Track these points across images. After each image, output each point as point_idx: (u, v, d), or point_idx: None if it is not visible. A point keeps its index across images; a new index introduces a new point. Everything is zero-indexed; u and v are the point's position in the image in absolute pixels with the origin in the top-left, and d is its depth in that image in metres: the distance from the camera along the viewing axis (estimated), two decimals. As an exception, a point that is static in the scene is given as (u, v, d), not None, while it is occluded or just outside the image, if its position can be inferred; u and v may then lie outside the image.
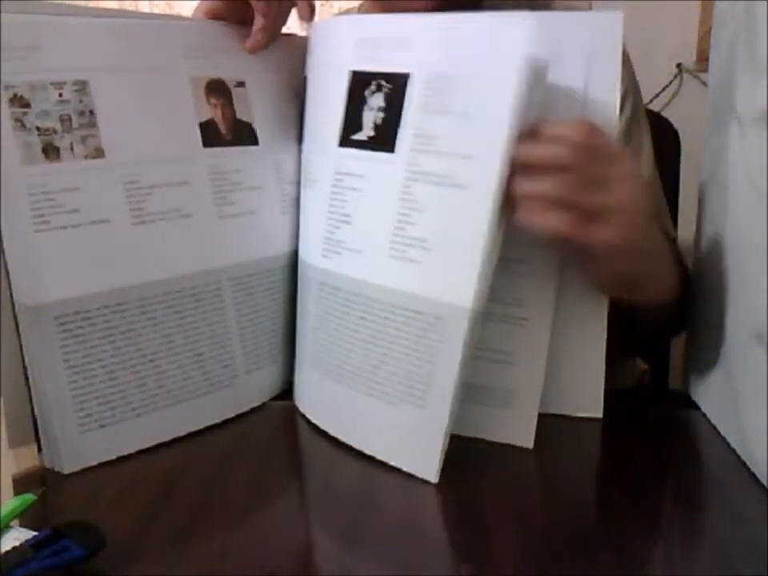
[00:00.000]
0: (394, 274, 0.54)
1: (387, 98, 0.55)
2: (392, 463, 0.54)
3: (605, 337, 0.59)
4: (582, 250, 0.53)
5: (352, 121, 0.57)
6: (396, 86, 0.55)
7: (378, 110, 0.56)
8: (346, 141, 0.57)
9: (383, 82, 0.56)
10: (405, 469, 0.53)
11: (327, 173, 0.59)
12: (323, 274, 0.59)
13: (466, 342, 0.50)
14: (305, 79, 0.65)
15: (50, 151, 0.53)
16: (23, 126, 0.52)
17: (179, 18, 0.65)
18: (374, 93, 0.56)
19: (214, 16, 0.62)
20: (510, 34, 0.50)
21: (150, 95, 0.58)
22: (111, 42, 0.56)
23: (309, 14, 0.64)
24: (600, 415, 0.60)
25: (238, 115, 0.63)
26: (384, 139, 0.55)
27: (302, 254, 0.63)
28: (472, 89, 0.51)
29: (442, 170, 0.52)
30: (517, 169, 0.49)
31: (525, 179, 0.49)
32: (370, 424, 0.56)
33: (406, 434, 0.54)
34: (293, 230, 0.66)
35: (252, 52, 0.63)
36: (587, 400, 0.60)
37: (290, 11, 0.63)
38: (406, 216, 0.53)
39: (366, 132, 0.56)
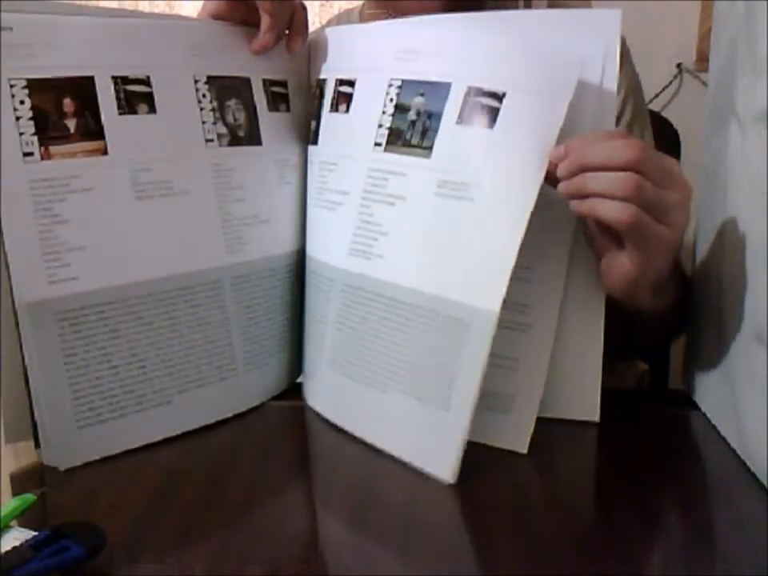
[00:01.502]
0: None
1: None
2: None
3: (602, 341, 0.59)
4: (638, 243, 0.52)
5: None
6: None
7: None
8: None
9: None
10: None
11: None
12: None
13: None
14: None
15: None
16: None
17: (185, 18, 0.66)
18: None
19: (219, 17, 0.62)
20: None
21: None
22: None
23: (299, 48, 0.65)
24: (596, 419, 0.60)
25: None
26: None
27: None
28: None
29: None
30: (581, 167, 0.50)
31: (593, 177, 0.50)
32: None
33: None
34: (295, 230, 0.66)
35: (259, 53, 0.63)
36: (584, 404, 0.60)
37: (290, 13, 0.63)
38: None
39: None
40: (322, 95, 0.64)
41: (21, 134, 0.52)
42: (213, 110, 0.61)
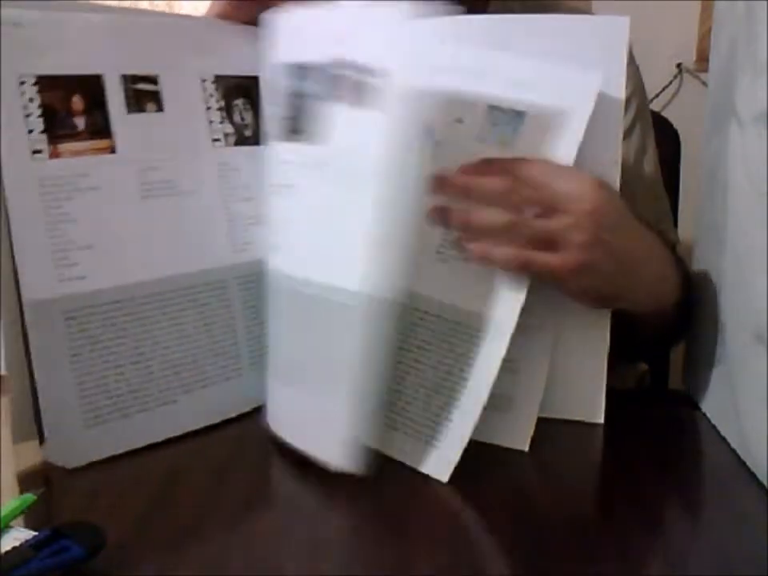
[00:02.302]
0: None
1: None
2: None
3: (607, 342, 0.59)
4: (542, 276, 0.52)
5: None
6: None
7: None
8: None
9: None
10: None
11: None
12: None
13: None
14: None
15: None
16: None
17: (193, 17, 0.66)
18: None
19: (225, 18, 0.62)
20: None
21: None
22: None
23: None
24: (601, 421, 0.60)
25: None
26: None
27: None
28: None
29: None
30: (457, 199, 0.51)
31: (464, 210, 0.51)
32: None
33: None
34: None
35: None
36: (589, 405, 0.60)
37: None
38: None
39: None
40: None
41: (30, 131, 0.52)
42: (220, 109, 0.61)
